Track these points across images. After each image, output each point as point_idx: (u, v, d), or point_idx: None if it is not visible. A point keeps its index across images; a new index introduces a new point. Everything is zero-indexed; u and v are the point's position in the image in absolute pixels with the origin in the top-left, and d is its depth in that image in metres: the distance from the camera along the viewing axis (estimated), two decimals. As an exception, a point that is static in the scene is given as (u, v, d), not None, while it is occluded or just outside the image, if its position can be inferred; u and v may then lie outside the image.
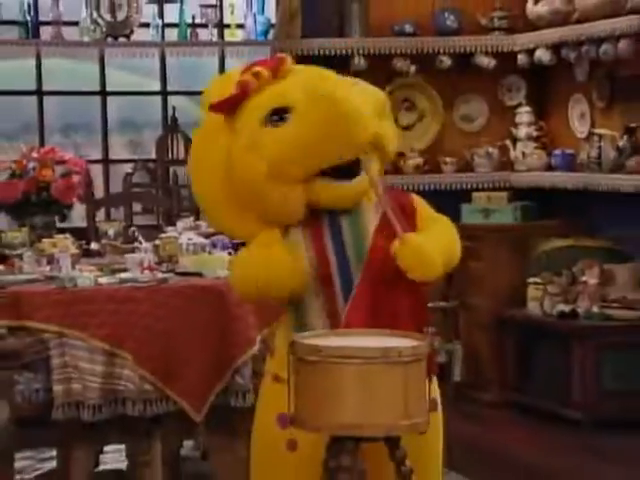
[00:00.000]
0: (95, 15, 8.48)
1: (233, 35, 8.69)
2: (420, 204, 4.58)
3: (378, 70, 8.09)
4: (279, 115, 4.41)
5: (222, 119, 4.63)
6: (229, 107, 4.58)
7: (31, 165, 6.76)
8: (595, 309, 7.69)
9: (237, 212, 4.67)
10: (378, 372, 4.00)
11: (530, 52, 8.53)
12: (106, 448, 6.41)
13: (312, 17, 8.20)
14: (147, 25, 8.65)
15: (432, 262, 4.44)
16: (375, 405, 3.98)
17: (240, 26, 8.64)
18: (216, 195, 4.70)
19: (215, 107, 4.59)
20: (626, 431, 7.31)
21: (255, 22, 8.59)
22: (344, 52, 8.26)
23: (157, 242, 6.24)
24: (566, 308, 7.75)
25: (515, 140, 8.59)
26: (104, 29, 8.49)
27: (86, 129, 9.87)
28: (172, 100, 9.07)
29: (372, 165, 4.63)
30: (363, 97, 4.54)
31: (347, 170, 4.38)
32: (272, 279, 4.45)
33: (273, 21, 8.57)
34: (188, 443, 6.50)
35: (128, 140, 10.17)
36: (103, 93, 9.00)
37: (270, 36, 8.51)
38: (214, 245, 6.22)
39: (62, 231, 6.77)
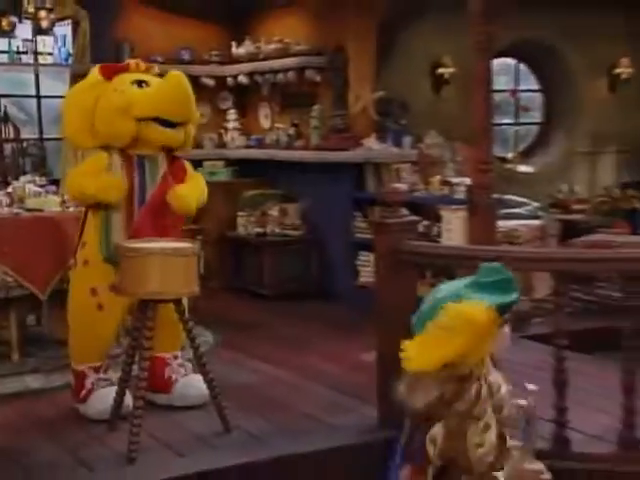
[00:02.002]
0: (-52, 44, 8.19)
1: (45, 60, 8.47)
2: (188, 166, 4.97)
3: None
4: (141, 83, 4.78)
5: (98, 80, 4.83)
6: (112, 72, 4.84)
7: None
8: (277, 230, 8.03)
9: (87, 132, 4.82)
10: (171, 261, 4.41)
11: (235, 77, 8.68)
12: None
13: (98, 50, 8.02)
14: (-15, 51, 8.42)
15: (188, 205, 4.82)
16: (168, 281, 4.38)
17: (49, 54, 8.44)
18: (79, 121, 4.82)
19: (103, 68, 4.87)
20: (294, 300, 7.69)
21: (59, 51, 8.38)
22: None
23: (10, 190, 6.22)
24: (260, 230, 8.09)
25: (227, 130, 8.76)
26: (-46, 54, 8.25)
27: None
28: (3, 101, 8.72)
29: None
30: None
31: (170, 125, 4.72)
32: (100, 191, 4.66)
33: (71, 51, 8.30)
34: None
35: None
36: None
37: (69, 61, 8.30)
38: (47, 192, 6.28)
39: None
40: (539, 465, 2.87)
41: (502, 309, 2.80)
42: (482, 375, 2.81)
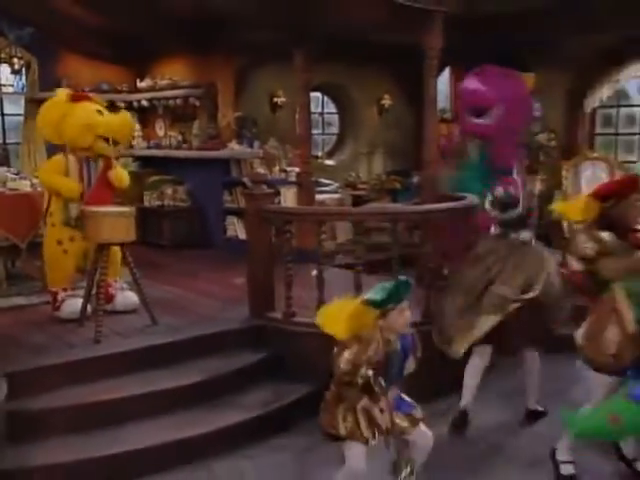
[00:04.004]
0: None
1: (7, 89, 8.11)
2: (114, 162, 4.98)
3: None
4: (101, 112, 4.89)
5: (64, 101, 4.84)
6: (80, 98, 4.91)
7: None
8: (171, 203, 7.88)
9: (54, 135, 4.89)
10: (117, 219, 4.60)
11: (139, 101, 8.30)
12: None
13: (44, 83, 7.85)
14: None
15: (125, 180, 4.95)
16: (116, 231, 4.57)
17: (10, 85, 8.12)
18: (50, 125, 4.86)
19: (73, 95, 4.90)
20: (184, 248, 7.48)
21: (17, 83, 8.09)
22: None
23: (-6, 176, 5.90)
24: (159, 203, 7.92)
25: (134, 137, 8.12)
26: None
27: None
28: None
29: None
30: None
31: (114, 143, 4.86)
32: (67, 192, 4.79)
33: (25, 84, 8.05)
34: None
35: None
36: None
37: (24, 90, 8.05)
38: (20, 177, 6.12)
39: None
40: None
41: (379, 303, 2.91)
42: (376, 338, 2.96)
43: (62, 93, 4.95)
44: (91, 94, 5.14)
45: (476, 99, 5.65)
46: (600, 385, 3.36)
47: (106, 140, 4.82)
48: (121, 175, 4.99)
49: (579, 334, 3.40)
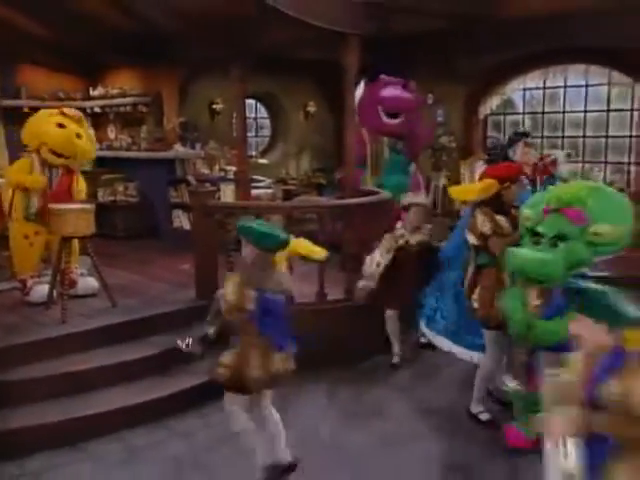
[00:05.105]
0: None
1: None
2: (77, 171, 4.97)
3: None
4: (61, 125, 4.84)
5: (53, 113, 4.85)
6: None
7: None
8: (123, 198, 7.57)
9: (35, 142, 4.84)
10: (79, 215, 4.61)
11: (92, 108, 8.03)
12: None
13: (5, 91, 7.54)
14: None
15: (83, 196, 4.96)
16: (78, 226, 4.48)
17: None
18: (33, 134, 4.86)
19: (62, 111, 4.90)
20: (136, 239, 7.33)
21: None
22: (19, 106, 7.42)
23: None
24: (112, 198, 7.62)
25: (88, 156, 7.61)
26: None
27: None
28: None
29: None
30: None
31: (59, 155, 4.80)
32: (32, 183, 4.79)
33: None
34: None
35: None
36: None
37: None
38: None
39: None
40: None
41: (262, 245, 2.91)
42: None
43: (55, 110, 4.98)
44: (74, 112, 5.06)
45: (399, 104, 6.48)
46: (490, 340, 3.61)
47: (55, 153, 4.78)
48: (81, 188, 5.05)
49: (473, 301, 3.62)
